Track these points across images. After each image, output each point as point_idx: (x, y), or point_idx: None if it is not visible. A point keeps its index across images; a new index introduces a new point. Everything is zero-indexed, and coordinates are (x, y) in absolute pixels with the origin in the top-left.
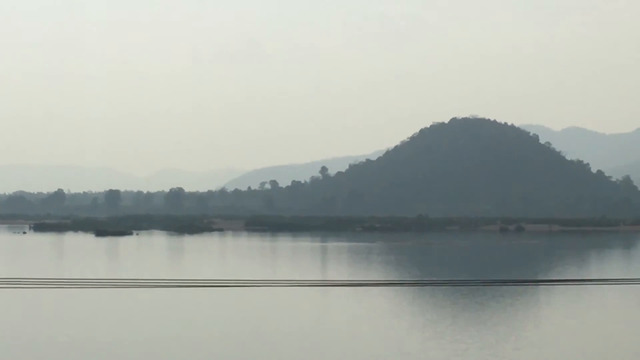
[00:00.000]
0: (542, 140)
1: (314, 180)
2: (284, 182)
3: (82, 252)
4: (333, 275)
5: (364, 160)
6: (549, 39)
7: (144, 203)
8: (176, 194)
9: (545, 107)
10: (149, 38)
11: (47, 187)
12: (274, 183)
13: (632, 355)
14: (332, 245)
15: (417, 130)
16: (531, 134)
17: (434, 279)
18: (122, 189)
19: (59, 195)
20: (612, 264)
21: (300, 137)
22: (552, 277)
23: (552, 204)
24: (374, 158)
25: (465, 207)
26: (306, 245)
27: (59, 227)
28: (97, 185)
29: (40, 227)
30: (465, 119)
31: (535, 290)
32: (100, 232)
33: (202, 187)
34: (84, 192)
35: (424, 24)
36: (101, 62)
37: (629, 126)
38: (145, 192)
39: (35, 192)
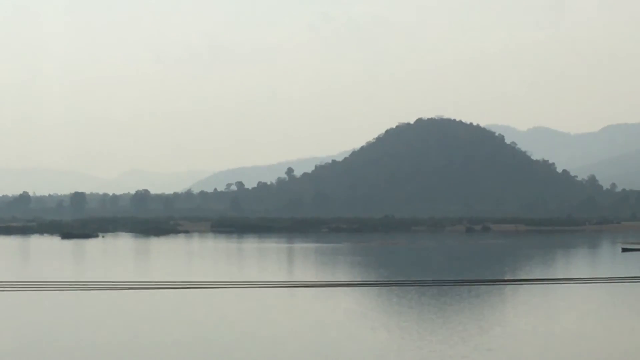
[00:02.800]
0: (507, 141)
1: (280, 181)
2: (250, 184)
3: (48, 254)
4: (300, 276)
5: (330, 161)
6: (515, 40)
7: (109, 205)
8: (142, 196)
9: (511, 107)
10: (113, 40)
11: (12, 190)
12: (240, 184)
13: (598, 353)
14: (299, 246)
15: (383, 130)
16: (497, 134)
17: (401, 279)
18: (87, 192)
19: (24, 198)
20: (578, 263)
21: (266, 138)
22: (519, 277)
23: (518, 203)
24: (339, 159)
25: (431, 207)
26: (272, 247)
27: (24, 230)
28: (63, 187)
29: (5, 230)
30: (431, 120)
31: (502, 290)
32: (66, 234)
33: (168, 189)
34: (49, 195)
35: (389, 25)
36: (65, 65)
37: (594, 126)
38: (111, 194)
39: (0, 195)
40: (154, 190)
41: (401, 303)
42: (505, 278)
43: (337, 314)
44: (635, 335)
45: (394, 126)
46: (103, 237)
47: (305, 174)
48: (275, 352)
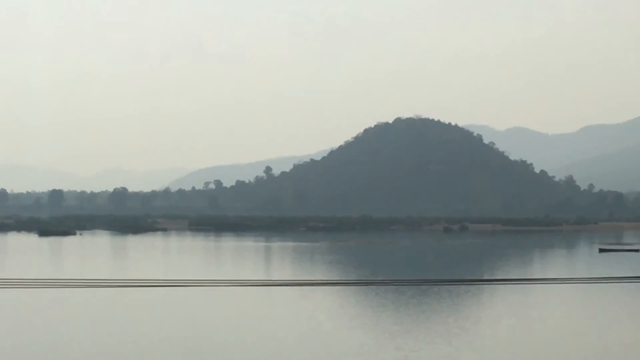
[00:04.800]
0: (485, 140)
1: (258, 180)
2: (228, 182)
3: (25, 252)
4: (277, 275)
5: (308, 160)
6: (493, 41)
7: (87, 203)
8: (120, 194)
9: (489, 107)
10: (92, 39)
11: None
12: (218, 183)
13: (574, 353)
14: (277, 245)
15: (361, 130)
16: (475, 134)
17: (378, 278)
18: (65, 189)
19: (1, 195)
20: (555, 264)
21: (245, 136)
22: (496, 277)
23: (495, 203)
24: (318, 158)
25: (409, 206)
26: (250, 245)
27: (1, 227)
28: (41, 185)
29: None
30: (409, 119)
31: (480, 290)
32: (44, 232)
33: (146, 187)
34: (27, 192)
35: (368, 24)
36: (44, 63)
37: (572, 126)
38: (88, 191)
39: None
40: (132, 188)
41: (380, 302)
42: (484, 278)
43: (315, 313)
44: (612, 335)
45: (372, 125)
46: (81, 234)
47: (283, 173)
48: (252, 351)
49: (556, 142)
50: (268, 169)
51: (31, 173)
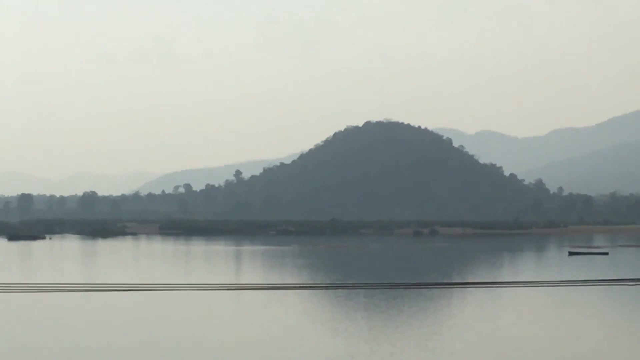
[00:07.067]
0: (455, 144)
1: (228, 184)
2: (198, 186)
3: None
4: (247, 278)
5: (278, 164)
6: (462, 45)
7: (57, 207)
8: (89, 198)
9: (459, 111)
10: (61, 42)
11: None
12: (187, 187)
13: (545, 355)
14: (247, 248)
15: (331, 134)
16: (445, 138)
17: (349, 282)
18: (34, 193)
19: None
20: (525, 267)
21: (215, 140)
22: (467, 280)
23: (465, 207)
24: (288, 162)
25: (379, 210)
26: (220, 249)
27: None
28: (10, 189)
29: None
30: (379, 123)
31: (450, 293)
32: (13, 236)
33: (116, 191)
34: None
35: (338, 29)
36: (12, 66)
37: (541, 130)
38: (58, 196)
39: None
40: (101, 192)
41: (351, 306)
42: (454, 281)
43: (286, 317)
44: (582, 337)
45: (342, 129)
46: (50, 238)
47: (253, 177)
48: (221, 356)
49: (526, 145)
50: (238, 173)
51: (0, 177)
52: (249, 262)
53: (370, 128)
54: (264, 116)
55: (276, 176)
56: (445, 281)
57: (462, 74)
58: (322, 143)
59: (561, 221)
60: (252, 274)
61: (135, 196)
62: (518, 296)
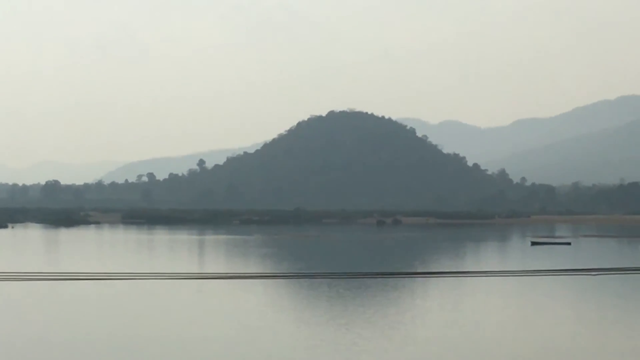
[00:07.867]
0: (418, 134)
1: (192, 173)
2: (161, 175)
3: None
4: (210, 267)
5: (242, 153)
6: (426, 36)
7: (19, 196)
8: (52, 187)
9: (422, 101)
10: (24, 32)
11: None
12: (151, 176)
13: (508, 343)
14: (210, 238)
15: (295, 123)
16: (408, 127)
17: (311, 271)
18: None
19: None
20: (488, 256)
21: (178, 129)
22: (429, 269)
23: (428, 197)
24: (251, 151)
25: (343, 200)
26: (183, 238)
27: None
28: None
29: None
30: (342, 112)
31: (413, 283)
32: None
33: (79, 180)
34: None
35: (301, 18)
36: None
37: (504, 120)
38: (20, 184)
39: None
40: (64, 181)
41: (313, 296)
42: (417, 271)
43: (249, 307)
44: (545, 326)
45: (306, 119)
46: (12, 227)
47: (217, 166)
48: (184, 346)
49: (489, 135)
50: (201, 162)
51: None
52: (213, 252)
53: (334, 117)
54: (228, 105)
55: (240, 165)
56: (409, 271)
57: (425, 65)
58: (286, 132)
59: (524, 211)
60: (215, 263)
61: (98, 185)
62: (481, 286)
